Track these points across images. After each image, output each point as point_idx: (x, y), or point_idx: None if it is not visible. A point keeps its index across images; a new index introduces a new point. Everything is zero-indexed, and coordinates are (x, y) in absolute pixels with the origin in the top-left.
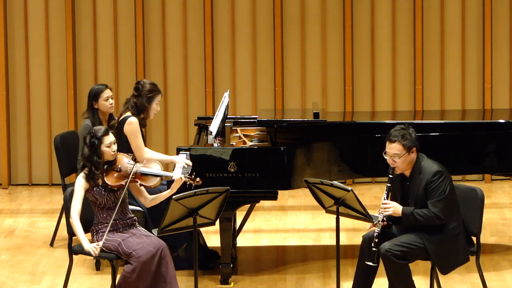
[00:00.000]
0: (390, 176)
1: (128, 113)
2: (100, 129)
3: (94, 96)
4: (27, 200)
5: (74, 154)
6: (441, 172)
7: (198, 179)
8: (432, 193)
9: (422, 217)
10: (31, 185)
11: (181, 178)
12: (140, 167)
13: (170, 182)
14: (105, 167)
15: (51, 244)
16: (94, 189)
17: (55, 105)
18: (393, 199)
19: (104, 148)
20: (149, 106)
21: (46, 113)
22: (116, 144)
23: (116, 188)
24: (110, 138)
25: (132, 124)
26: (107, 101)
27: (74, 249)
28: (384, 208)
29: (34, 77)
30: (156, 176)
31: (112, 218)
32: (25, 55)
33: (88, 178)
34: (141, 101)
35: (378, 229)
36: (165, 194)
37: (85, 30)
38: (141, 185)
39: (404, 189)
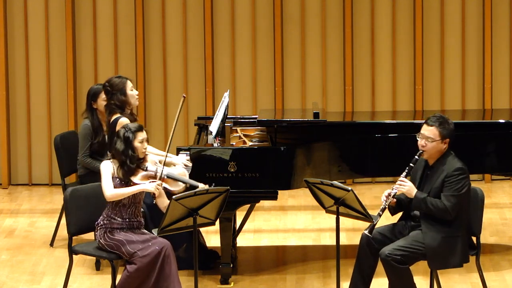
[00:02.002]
0: (417, 157)
1: (117, 114)
2: (134, 124)
3: (93, 96)
4: (27, 200)
5: (74, 154)
6: (463, 169)
7: None
8: (448, 186)
9: (434, 206)
10: (31, 185)
11: (206, 189)
12: (168, 170)
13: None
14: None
15: (51, 244)
16: (116, 180)
17: (55, 105)
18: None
19: (136, 143)
20: (126, 96)
21: (46, 113)
22: (147, 142)
23: None
24: (144, 135)
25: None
26: (105, 101)
27: (74, 249)
28: (400, 185)
29: (34, 77)
30: (183, 182)
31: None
32: (25, 55)
33: (121, 172)
34: (117, 97)
35: (385, 205)
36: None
37: (85, 30)
38: (165, 188)
39: (424, 176)
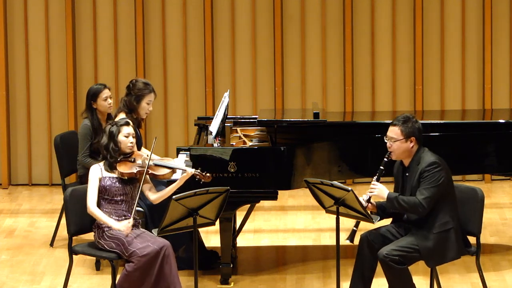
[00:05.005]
0: (385, 159)
1: (122, 114)
2: (121, 120)
3: (93, 96)
4: (27, 200)
5: (74, 154)
6: (437, 163)
7: (208, 174)
8: (423, 181)
9: (406, 203)
10: (31, 185)
11: (191, 172)
12: (155, 160)
13: (170, 182)
14: (120, 157)
15: (51, 244)
16: (107, 178)
17: (55, 105)
18: (395, 190)
19: (121, 137)
20: (138, 105)
21: (46, 113)
22: (135, 138)
23: (127, 177)
24: (129, 129)
25: None
26: (105, 101)
27: (74, 249)
28: (371, 189)
29: (34, 77)
30: (168, 167)
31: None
32: (25, 55)
33: (105, 167)
34: (130, 100)
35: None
36: (172, 187)
37: (85, 30)
38: (152, 174)
39: (404, 179)
